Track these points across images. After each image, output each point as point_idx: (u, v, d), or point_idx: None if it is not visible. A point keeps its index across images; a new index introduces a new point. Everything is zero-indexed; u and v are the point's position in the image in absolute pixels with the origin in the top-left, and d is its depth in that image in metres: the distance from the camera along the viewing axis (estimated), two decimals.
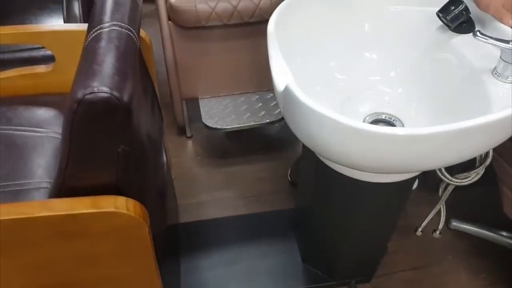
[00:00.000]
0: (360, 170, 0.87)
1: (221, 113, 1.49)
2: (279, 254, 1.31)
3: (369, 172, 0.87)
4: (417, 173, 0.96)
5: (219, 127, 1.45)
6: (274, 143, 1.63)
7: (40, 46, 1.03)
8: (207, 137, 1.62)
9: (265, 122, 1.47)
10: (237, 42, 1.45)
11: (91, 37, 0.70)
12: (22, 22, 1.29)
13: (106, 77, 0.62)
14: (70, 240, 0.74)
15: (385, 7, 0.98)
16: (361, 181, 0.93)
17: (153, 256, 0.80)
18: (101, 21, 0.73)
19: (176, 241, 1.31)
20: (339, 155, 0.81)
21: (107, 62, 0.64)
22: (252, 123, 1.46)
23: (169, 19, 1.40)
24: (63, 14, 1.33)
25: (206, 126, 1.45)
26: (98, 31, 0.71)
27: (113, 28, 0.71)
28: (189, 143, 1.62)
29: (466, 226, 1.35)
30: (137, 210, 0.73)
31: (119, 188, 0.73)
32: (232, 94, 1.54)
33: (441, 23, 0.93)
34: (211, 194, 1.46)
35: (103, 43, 0.68)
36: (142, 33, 1.01)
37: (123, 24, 0.72)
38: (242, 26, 1.41)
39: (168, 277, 1.03)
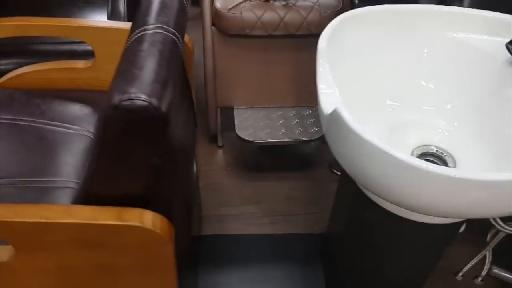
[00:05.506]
0: (401, 207, 0.80)
1: (256, 125, 1.43)
2: (302, 280, 1.24)
3: (410, 211, 0.79)
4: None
5: (252, 139, 1.39)
6: (309, 162, 1.56)
7: (81, 40, 1.00)
8: (238, 148, 1.57)
9: (301, 140, 1.40)
10: (280, 54, 1.40)
11: (133, 38, 0.66)
12: (67, 15, 1.28)
13: (145, 83, 0.57)
14: (90, 249, 0.71)
15: (448, 32, 0.90)
16: (401, 217, 0.85)
17: (174, 273, 0.76)
18: (145, 22, 0.68)
19: (196, 254, 1.26)
20: (380, 188, 0.74)
21: (148, 67, 0.60)
22: (287, 140, 1.40)
23: (213, 24, 1.37)
24: (107, 10, 1.31)
25: (239, 138, 1.40)
26: (142, 33, 0.66)
27: (158, 31, 0.66)
28: (220, 152, 1.57)
29: (507, 275, 1.24)
30: (164, 227, 0.68)
31: (147, 200, 0.68)
32: (269, 107, 1.49)
33: (510, 56, 0.85)
34: (237, 208, 1.40)
35: (145, 46, 0.63)
36: (186, 37, 0.97)
37: (168, 28, 0.67)
38: (287, 38, 1.36)
39: None
